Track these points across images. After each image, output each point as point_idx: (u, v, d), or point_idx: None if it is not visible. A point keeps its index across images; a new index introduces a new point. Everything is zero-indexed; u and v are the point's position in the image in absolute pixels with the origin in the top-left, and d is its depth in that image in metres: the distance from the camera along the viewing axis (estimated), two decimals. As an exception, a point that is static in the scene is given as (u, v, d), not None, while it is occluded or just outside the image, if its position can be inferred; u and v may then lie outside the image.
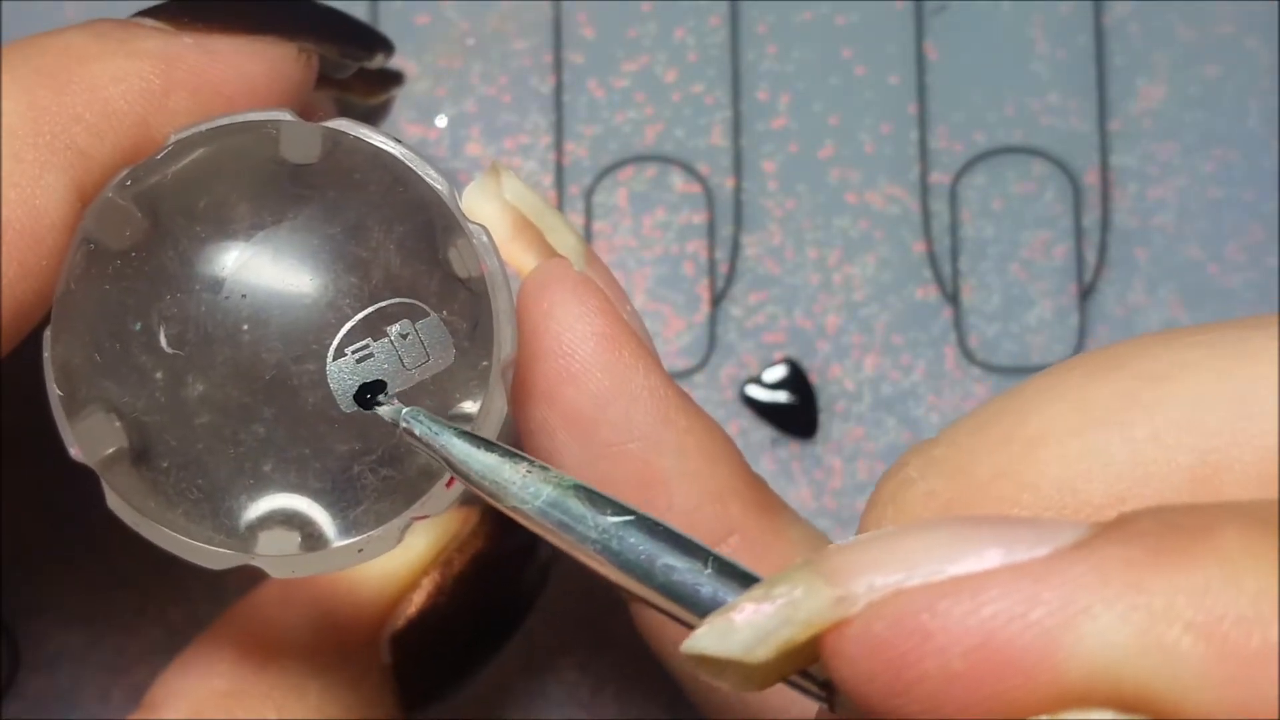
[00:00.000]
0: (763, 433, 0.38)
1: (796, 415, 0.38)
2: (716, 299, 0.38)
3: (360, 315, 0.25)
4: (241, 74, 0.27)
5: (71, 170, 0.25)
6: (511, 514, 0.23)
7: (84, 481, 0.25)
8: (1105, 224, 0.39)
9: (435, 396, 0.25)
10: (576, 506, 0.22)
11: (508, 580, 0.32)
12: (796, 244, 0.38)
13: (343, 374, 0.24)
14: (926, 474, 0.22)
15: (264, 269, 0.25)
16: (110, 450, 0.25)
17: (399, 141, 0.26)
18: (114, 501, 0.25)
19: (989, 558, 0.18)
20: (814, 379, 0.38)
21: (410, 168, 0.25)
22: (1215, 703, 0.17)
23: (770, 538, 0.27)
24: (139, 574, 0.37)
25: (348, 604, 0.30)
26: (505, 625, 0.33)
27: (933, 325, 0.38)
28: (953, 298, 0.38)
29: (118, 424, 0.25)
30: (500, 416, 0.25)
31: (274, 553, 0.25)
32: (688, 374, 0.38)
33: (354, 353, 0.24)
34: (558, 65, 0.39)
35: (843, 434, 0.38)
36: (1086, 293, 0.38)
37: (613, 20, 0.39)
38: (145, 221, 0.25)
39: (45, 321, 0.25)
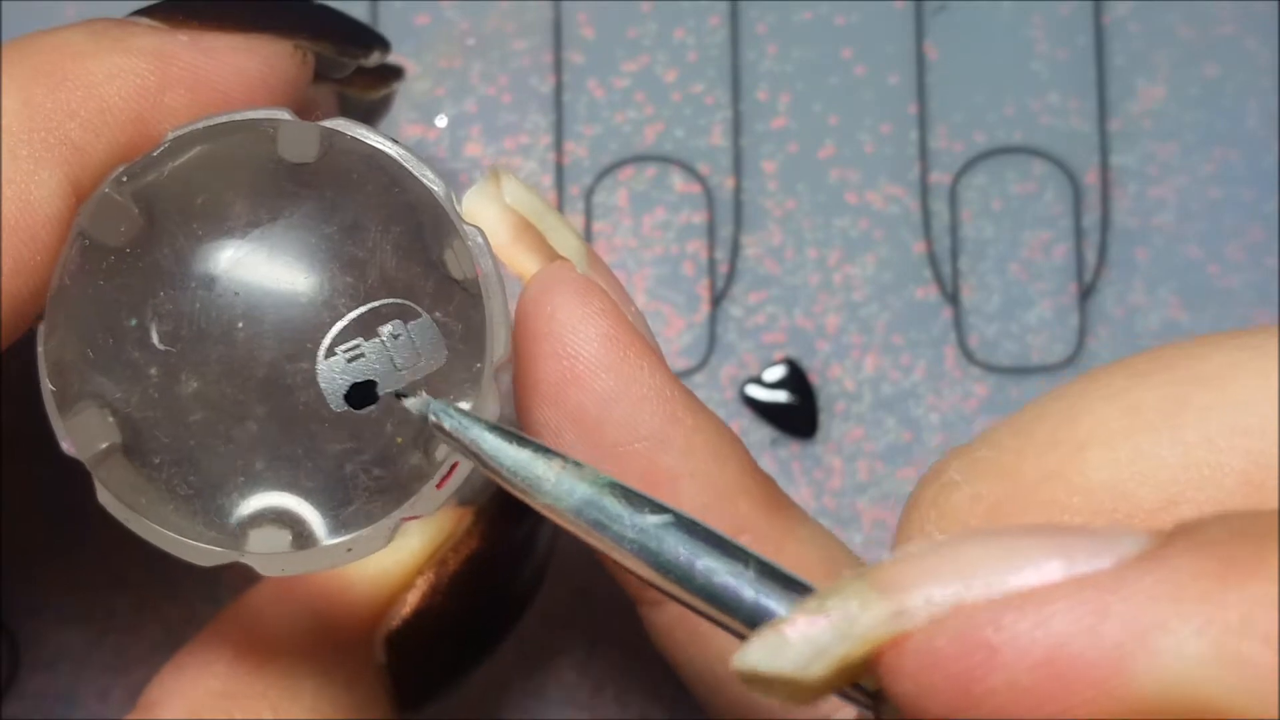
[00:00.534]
0: (763, 433, 0.38)
1: (796, 415, 0.38)
2: (716, 299, 0.38)
3: (351, 315, 0.24)
4: (237, 71, 0.27)
5: (66, 166, 0.25)
6: (544, 511, 0.22)
7: (83, 481, 0.25)
8: (1105, 224, 0.39)
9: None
10: (613, 505, 0.21)
11: (503, 580, 0.32)
12: (796, 244, 0.38)
13: (333, 373, 0.24)
14: (970, 477, 0.22)
15: (259, 267, 0.25)
16: (102, 446, 0.25)
17: (396, 142, 0.26)
18: (105, 497, 0.25)
19: (1050, 569, 0.18)
20: (814, 379, 0.38)
21: (407, 169, 0.25)
22: None
23: (780, 536, 0.27)
24: (138, 574, 0.37)
25: (343, 604, 0.30)
26: (500, 625, 0.33)
27: (933, 325, 0.38)
28: (953, 298, 0.38)
29: (110, 420, 0.25)
30: (492, 419, 0.25)
31: (264, 550, 0.25)
32: (688, 374, 0.38)
33: (345, 352, 0.24)
34: (558, 65, 0.39)
35: (843, 434, 0.38)
36: (1086, 293, 0.38)
37: (613, 20, 0.39)
38: (141, 218, 0.25)
39: (41, 318, 0.25)
